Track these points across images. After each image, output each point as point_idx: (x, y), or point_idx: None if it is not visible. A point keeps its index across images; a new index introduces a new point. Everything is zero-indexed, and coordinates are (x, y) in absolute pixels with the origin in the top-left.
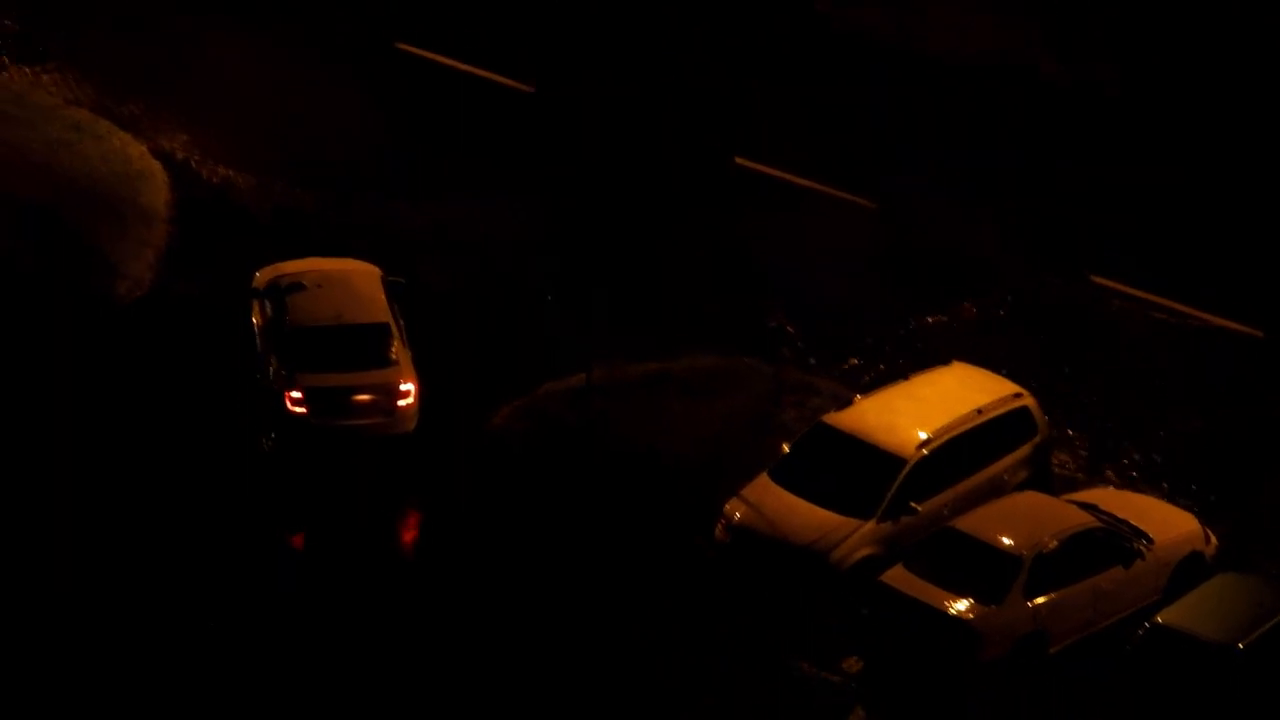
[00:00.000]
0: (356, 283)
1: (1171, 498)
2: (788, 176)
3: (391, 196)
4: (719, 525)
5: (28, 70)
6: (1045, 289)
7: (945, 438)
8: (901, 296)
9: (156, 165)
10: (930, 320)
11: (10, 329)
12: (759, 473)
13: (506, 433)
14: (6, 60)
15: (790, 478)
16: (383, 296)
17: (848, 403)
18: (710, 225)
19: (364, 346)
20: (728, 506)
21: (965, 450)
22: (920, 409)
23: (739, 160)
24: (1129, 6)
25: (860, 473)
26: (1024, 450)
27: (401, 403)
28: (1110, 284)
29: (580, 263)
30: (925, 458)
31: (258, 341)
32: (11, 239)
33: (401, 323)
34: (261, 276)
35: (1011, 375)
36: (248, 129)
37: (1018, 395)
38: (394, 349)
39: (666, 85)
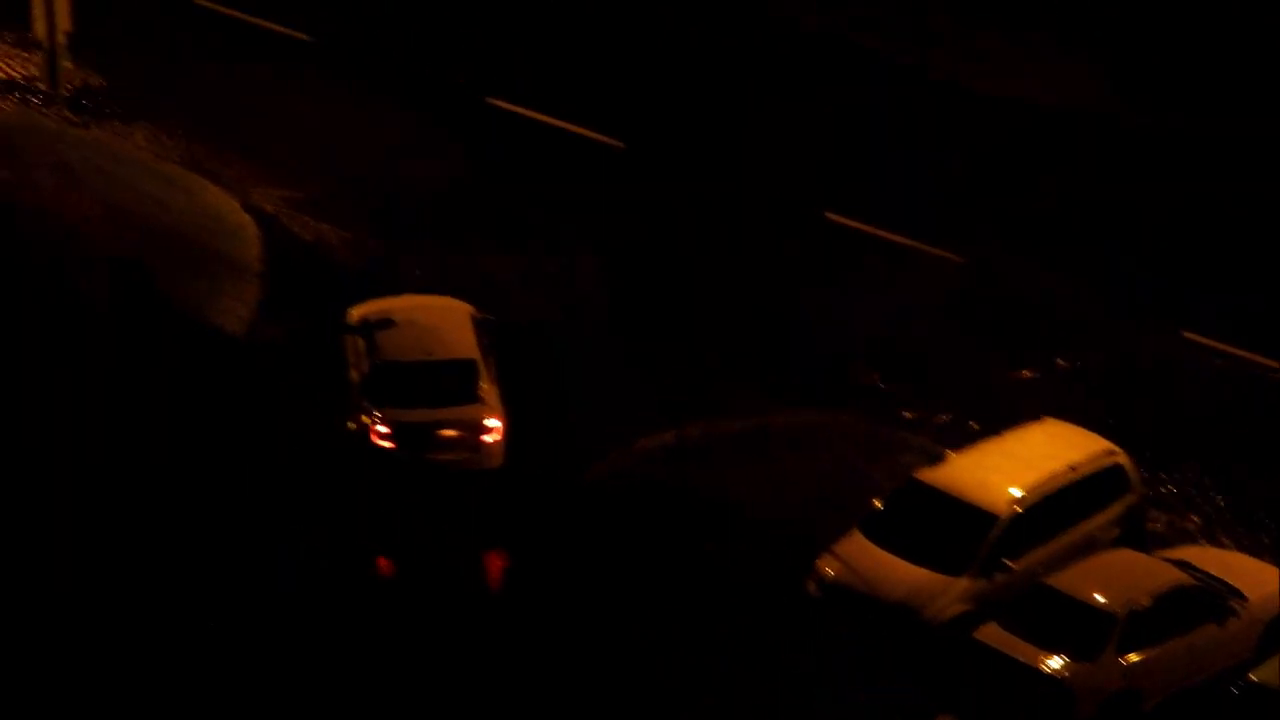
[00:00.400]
0: (446, 319)
1: (1267, 555)
2: (879, 232)
3: (485, 250)
4: (811, 581)
5: (120, 125)
6: (1139, 344)
7: (1039, 494)
8: (993, 352)
9: (248, 219)
10: (1023, 376)
11: (104, 377)
12: (851, 529)
13: (600, 487)
14: (100, 116)
15: (883, 534)
16: (472, 333)
17: (940, 459)
18: (803, 280)
19: (451, 382)
20: (820, 562)
21: (1059, 507)
22: (1013, 465)
23: (829, 215)
24: (1213, 54)
25: (953, 529)
26: (1117, 507)
27: (487, 438)
28: (1202, 340)
29: (671, 317)
30: (1019, 514)
31: (350, 376)
32: (104, 292)
33: (491, 359)
34: (356, 313)
35: (1105, 432)
36: (339, 183)
37: (1111, 452)
38: (481, 385)
39: (757, 140)
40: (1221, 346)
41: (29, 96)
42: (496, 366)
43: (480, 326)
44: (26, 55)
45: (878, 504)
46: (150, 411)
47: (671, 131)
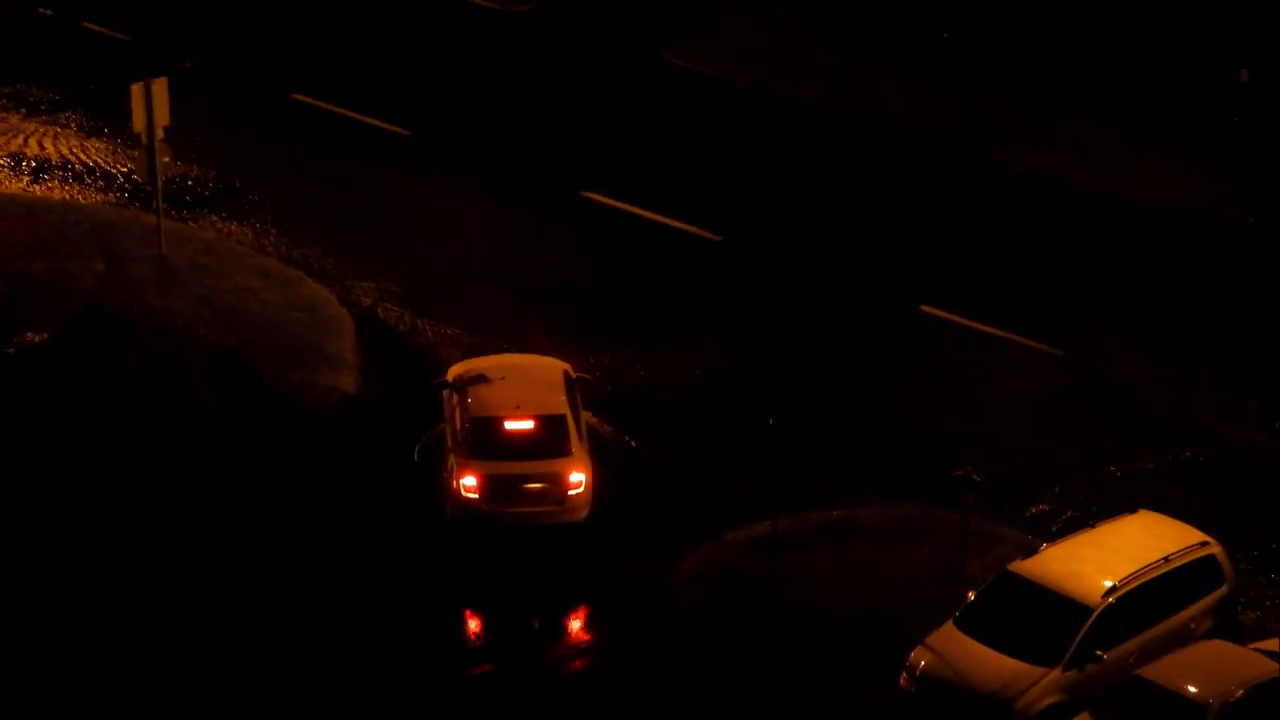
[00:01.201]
0: (539, 376)
1: None
2: (974, 324)
3: (586, 346)
4: (904, 674)
5: (218, 220)
6: (1233, 437)
7: (1131, 585)
8: (1088, 444)
9: (344, 312)
10: (1117, 468)
11: (211, 469)
12: (945, 621)
13: (690, 582)
14: (198, 211)
15: (976, 625)
16: (563, 390)
17: (1033, 551)
18: (898, 370)
19: (540, 436)
20: (913, 654)
21: (1152, 598)
22: (1106, 557)
23: (924, 308)
24: None
25: (1046, 620)
26: (1210, 599)
27: (573, 492)
28: None
29: (767, 409)
30: (1111, 605)
31: (446, 430)
32: (202, 385)
33: (581, 416)
34: (454, 370)
35: (1199, 524)
36: (434, 277)
37: (1204, 544)
38: (570, 440)
39: (855, 233)
40: None
41: (128, 192)
42: (586, 424)
43: (573, 385)
44: (126, 150)
45: (971, 596)
46: (256, 498)
47: (768, 224)
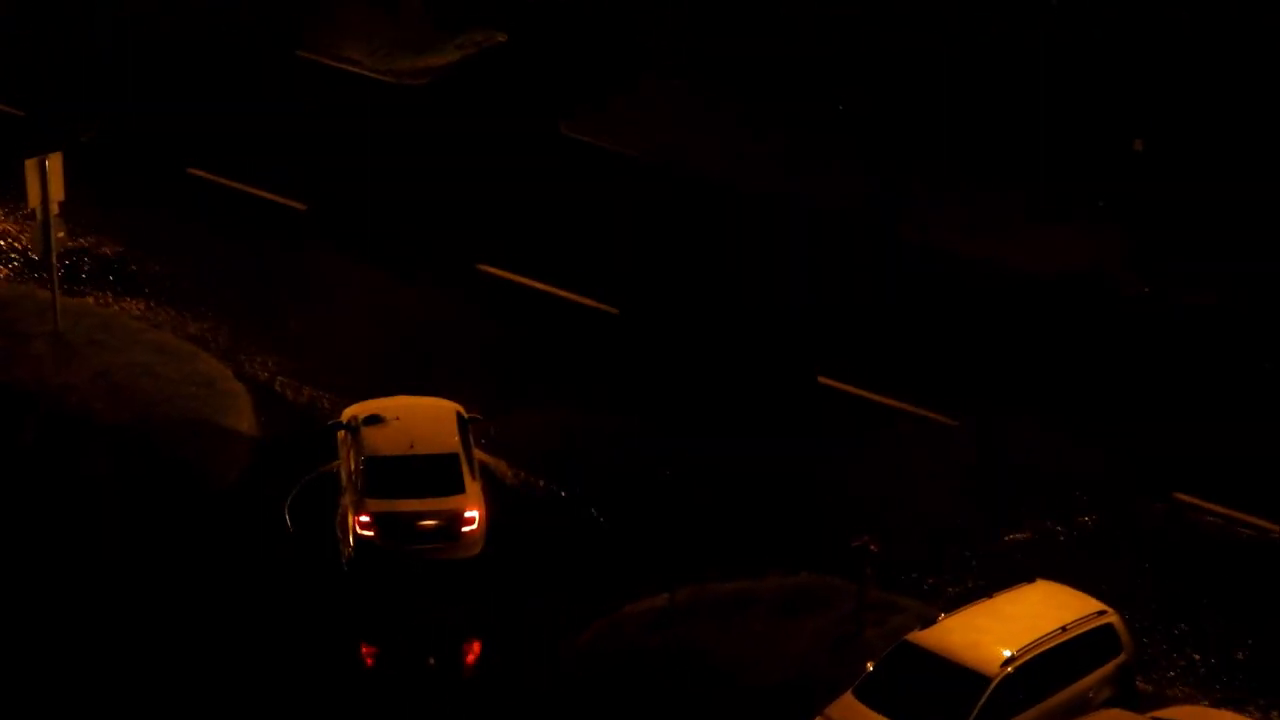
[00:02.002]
0: (431, 415)
1: (1257, 715)
2: (869, 394)
3: (489, 415)
4: None
5: (113, 295)
6: (1130, 506)
7: (1030, 655)
8: (985, 514)
9: (240, 387)
10: (1015, 538)
11: (107, 542)
12: (844, 691)
13: (589, 654)
14: (93, 286)
15: (875, 696)
16: (456, 429)
17: (932, 621)
18: (793, 444)
19: (433, 475)
20: None
21: (1050, 667)
22: (1005, 626)
23: (821, 379)
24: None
25: (945, 690)
26: (1109, 667)
27: (467, 529)
28: (1195, 500)
29: (665, 478)
30: (1010, 675)
31: (340, 471)
32: (96, 461)
33: (473, 455)
34: (347, 412)
35: (1097, 594)
36: (332, 350)
37: (1102, 613)
38: (463, 478)
39: (747, 301)
40: (1214, 507)
41: (22, 266)
42: (478, 462)
43: (465, 424)
44: (19, 224)
45: (870, 666)
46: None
47: (663, 296)
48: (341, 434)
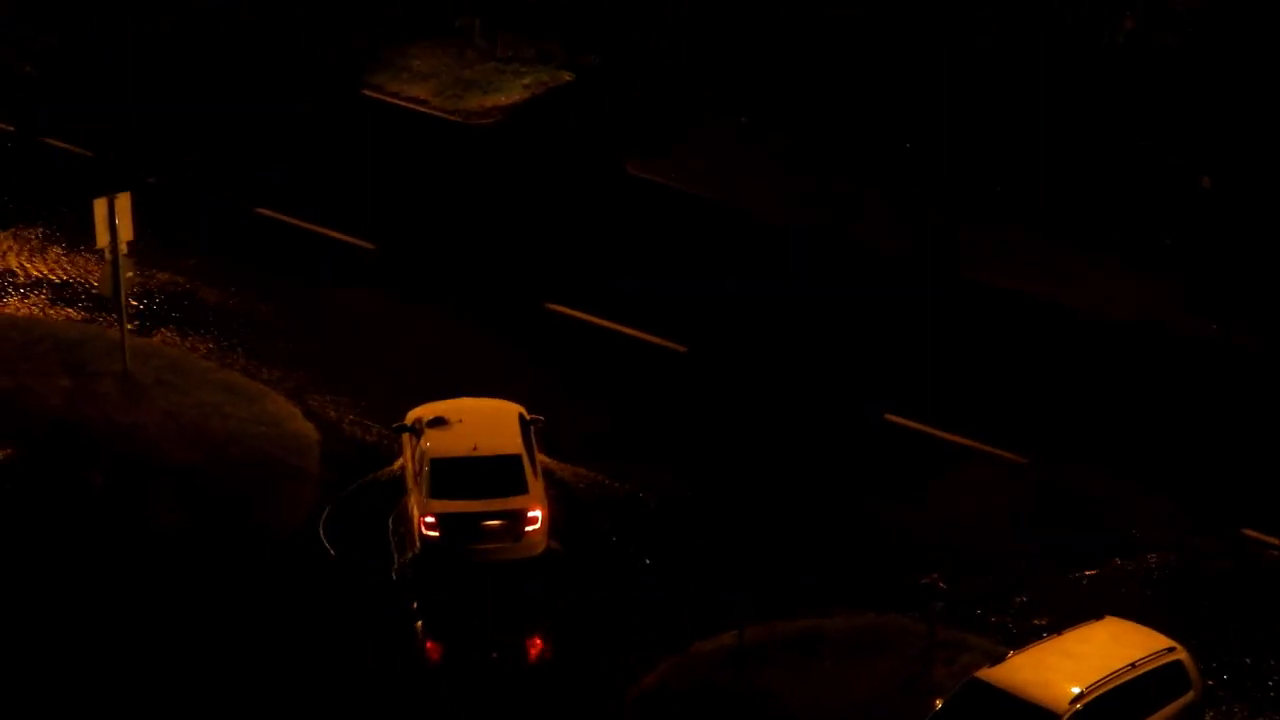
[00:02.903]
0: (494, 417)
1: None
2: (937, 432)
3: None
4: None
5: (181, 335)
6: (1198, 542)
7: (1098, 692)
8: (1054, 551)
9: (308, 426)
10: (1083, 575)
11: (175, 586)
12: None
13: (657, 694)
14: (162, 326)
15: None
16: (518, 431)
17: (1001, 658)
18: (860, 481)
19: (496, 476)
20: None
21: (1119, 705)
22: (1073, 664)
23: (888, 416)
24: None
25: None
26: (1177, 705)
27: (530, 528)
28: (1262, 536)
29: (734, 518)
30: (1079, 712)
31: (406, 472)
32: (163, 502)
33: (536, 457)
34: (411, 414)
35: (1165, 630)
36: (401, 389)
37: (1170, 650)
38: (526, 479)
39: (817, 343)
40: None
41: (92, 306)
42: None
43: (527, 426)
44: (89, 265)
45: (939, 705)
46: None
47: (731, 336)
48: (406, 436)
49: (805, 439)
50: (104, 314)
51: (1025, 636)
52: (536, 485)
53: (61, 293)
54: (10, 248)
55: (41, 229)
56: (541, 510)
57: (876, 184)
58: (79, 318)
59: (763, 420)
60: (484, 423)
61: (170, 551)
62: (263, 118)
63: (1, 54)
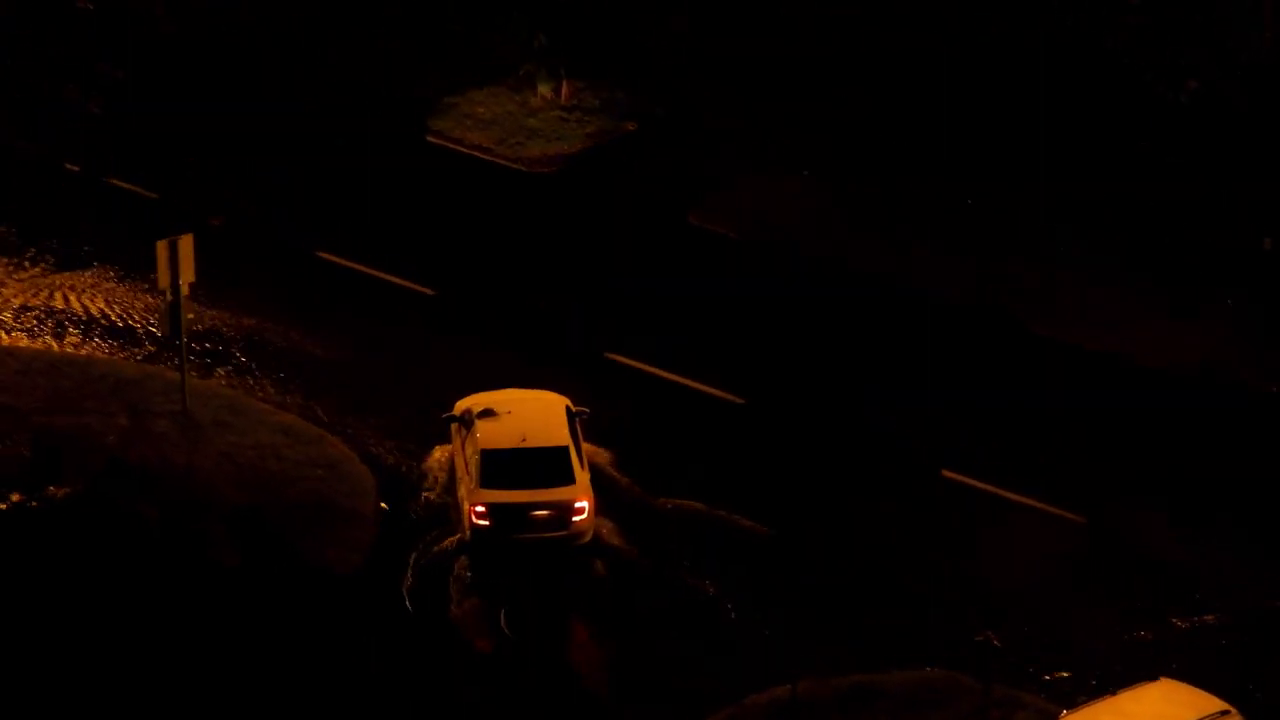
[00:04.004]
0: (542, 409)
1: None
2: (996, 489)
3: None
4: None
5: (239, 376)
6: (1255, 603)
7: None
8: (1110, 611)
9: (364, 470)
10: (1139, 635)
11: (228, 626)
12: None
13: None
14: (221, 366)
15: None
16: (565, 422)
17: (1055, 718)
18: (917, 536)
19: (545, 467)
20: None
21: None
22: None
23: (945, 473)
24: None
25: None
26: None
27: (577, 518)
28: None
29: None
30: None
31: (454, 461)
32: (223, 541)
33: (582, 448)
34: (460, 404)
35: (1221, 692)
36: None
37: (1225, 713)
38: (573, 470)
39: (869, 397)
40: None
41: (151, 347)
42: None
43: (574, 418)
44: (150, 305)
45: None
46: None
47: (788, 386)
48: (454, 425)
49: (864, 494)
50: (164, 354)
51: (1079, 696)
52: (583, 476)
53: (122, 332)
54: (73, 286)
55: (104, 269)
56: (588, 501)
57: (929, 222)
58: (139, 357)
59: (820, 470)
60: (532, 414)
61: (224, 591)
62: (326, 162)
63: (68, 92)
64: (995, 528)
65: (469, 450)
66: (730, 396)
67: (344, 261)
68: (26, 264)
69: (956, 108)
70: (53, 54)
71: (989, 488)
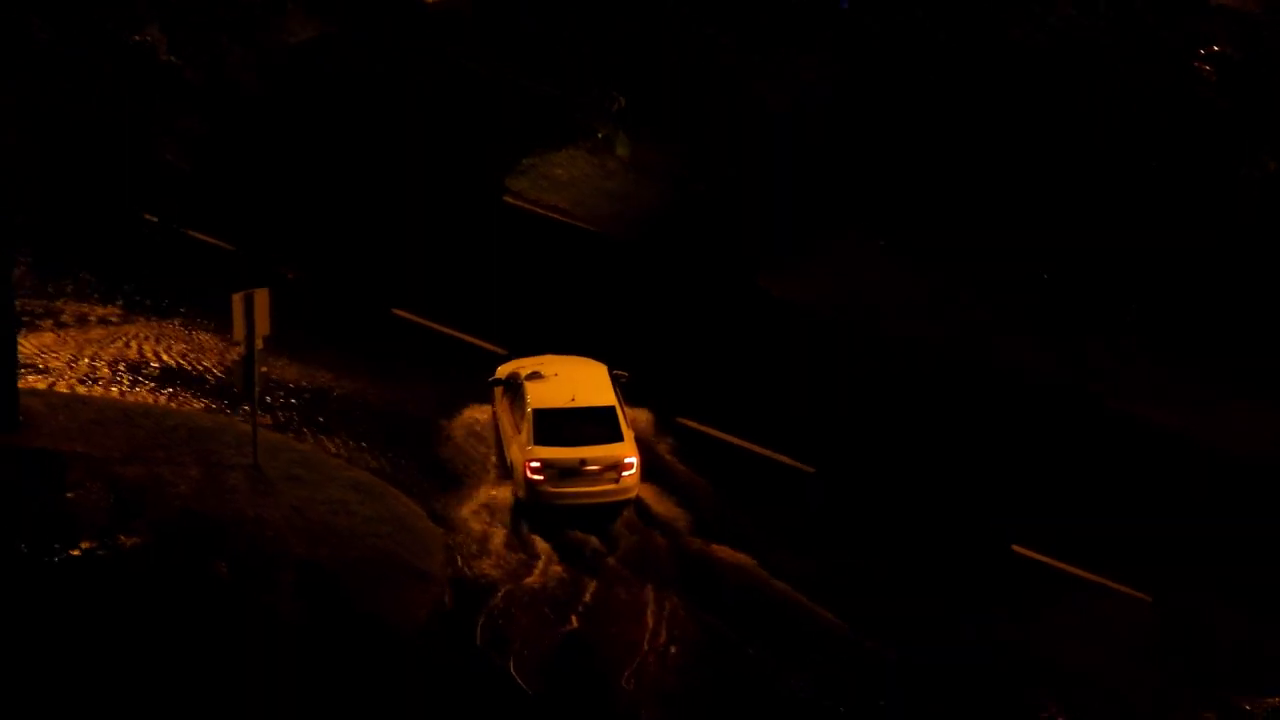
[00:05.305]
0: (586, 372)
1: None
2: (1063, 565)
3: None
4: None
5: (312, 431)
6: None
7: None
8: (1176, 689)
9: (432, 527)
10: (1205, 716)
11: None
12: None
13: None
14: (293, 421)
15: None
16: (610, 384)
17: None
18: (981, 610)
19: (594, 425)
20: None
21: None
22: None
23: (1016, 548)
24: None
25: None
26: None
27: (626, 474)
28: None
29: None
30: None
31: (499, 423)
32: (290, 596)
33: (624, 408)
34: (502, 369)
35: None
36: None
37: None
38: (620, 428)
39: (944, 465)
40: None
41: (225, 399)
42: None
43: (616, 380)
44: (225, 357)
45: None
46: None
47: (860, 454)
48: (498, 389)
49: (933, 566)
50: (237, 406)
51: None
52: (629, 434)
53: (196, 383)
54: (147, 336)
55: (180, 320)
56: (636, 457)
57: (1006, 297)
58: (212, 408)
59: (890, 544)
60: (578, 376)
61: (290, 645)
62: (405, 219)
63: (149, 142)
64: (1062, 604)
65: (518, 411)
66: (799, 464)
67: (419, 319)
68: (104, 312)
69: (1044, 165)
70: (137, 109)
71: (1056, 563)
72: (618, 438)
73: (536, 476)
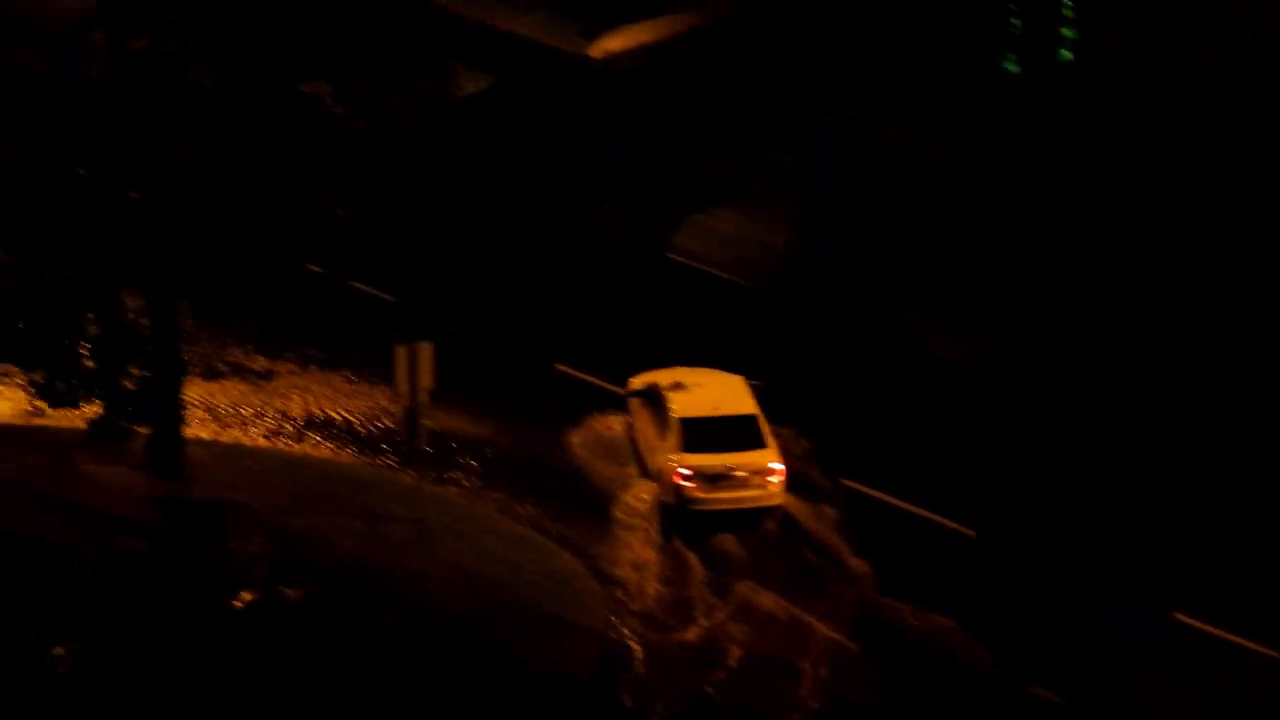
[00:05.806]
0: (725, 383)
1: None
2: (1231, 636)
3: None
4: None
5: (474, 485)
6: None
7: None
8: None
9: (595, 586)
10: None
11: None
12: None
13: None
14: (456, 475)
15: None
16: (751, 394)
17: None
18: (1142, 676)
19: (738, 433)
20: None
21: None
22: None
23: (1177, 615)
24: None
25: None
26: None
27: (772, 479)
28: None
29: None
30: None
31: (637, 434)
32: (445, 649)
33: (764, 417)
34: (636, 381)
35: None
36: None
37: None
38: (763, 435)
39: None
40: None
41: (388, 451)
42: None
43: (755, 390)
44: (388, 410)
45: None
46: None
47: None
48: (635, 401)
49: (1096, 626)
50: (401, 459)
51: None
52: (773, 442)
53: (359, 435)
54: (312, 389)
55: (343, 372)
56: (781, 463)
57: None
58: (376, 461)
59: (1055, 588)
60: (718, 386)
61: (450, 698)
62: (568, 274)
63: (320, 197)
64: (1231, 677)
65: (660, 421)
66: (962, 528)
67: (581, 374)
68: (267, 363)
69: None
70: (298, 157)
71: (1220, 632)
72: (762, 444)
73: (686, 484)
